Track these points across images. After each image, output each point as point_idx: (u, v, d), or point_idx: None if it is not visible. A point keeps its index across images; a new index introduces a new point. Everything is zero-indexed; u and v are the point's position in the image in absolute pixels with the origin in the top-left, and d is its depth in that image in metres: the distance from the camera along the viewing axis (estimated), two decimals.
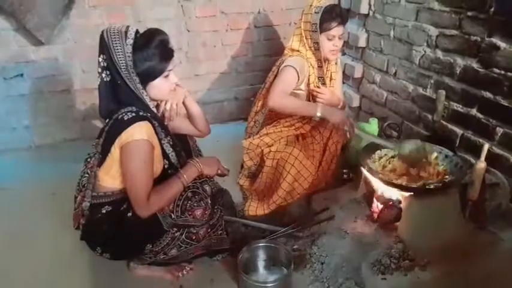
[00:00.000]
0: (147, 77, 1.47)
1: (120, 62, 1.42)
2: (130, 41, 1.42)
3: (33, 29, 2.23)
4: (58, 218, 1.92)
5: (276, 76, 2.06)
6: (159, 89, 1.52)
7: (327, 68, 2.15)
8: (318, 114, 1.92)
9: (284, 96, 1.96)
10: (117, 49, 1.41)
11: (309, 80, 2.10)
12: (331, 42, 2.03)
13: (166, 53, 1.48)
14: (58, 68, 2.45)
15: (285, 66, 2.00)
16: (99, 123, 2.63)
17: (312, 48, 2.05)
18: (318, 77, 2.11)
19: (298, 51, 2.07)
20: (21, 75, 2.40)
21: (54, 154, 2.50)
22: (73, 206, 1.66)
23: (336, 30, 2.01)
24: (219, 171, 1.66)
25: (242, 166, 2.23)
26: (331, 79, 2.19)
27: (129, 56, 1.41)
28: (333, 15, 1.99)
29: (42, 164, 2.40)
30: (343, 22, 2.03)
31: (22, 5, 2.15)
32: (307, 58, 2.06)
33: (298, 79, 2.02)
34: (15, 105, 2.45)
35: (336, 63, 2.21)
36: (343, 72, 2.91)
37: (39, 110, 2.50)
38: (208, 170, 1.61)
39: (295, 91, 2.06)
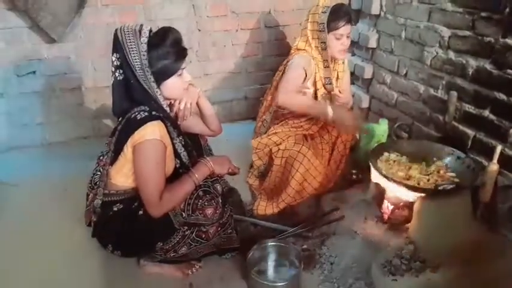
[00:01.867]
0: (162, 76, 1.48)
1: (135, 60, 1.42)
2: (144, 40, 1.42)
3: (47, 27, 2.25)
4: (70, 215, 1.94)
5: (284, 72, 2.07)
6: (173, 87, 1.53)
7: (333, 67, 2.15)
8: (330, 115, 1.92)
9: (292, 93, 1.96)
10: (132, 48, 1.42)
11: (315, 78, 2.10)
12: (339, 41, 2.03)
13: (180, 51, 1.49)
14: (70, 65, 2.48)
15: (292, 63, 2.00)
16: (110, 121, 2.65)
17: (319, 47, 2.05)
18: (325, 78, 2.11)
19: (304, 50, 2.07)
20: (34, 72, 2.43)
21: (66, 151, 2.52)
22: (85, 202, 1.68)
23: (344, 29, 2.01)
24: (230, 170, 1.67)
25: (251, 166, 2.24)
26: (337, 79, 2.19)
27: (144, 55, 1.42)
28: (340, 15, 1.99)
29: (54, 160, 2.42)
30: (350, 21, 2.03)
31: (35, 3, 2.17)
32: (313, 57, 2.06)
33: (306, 76, 2.03)
34: (28, 102, 2.47)
35: (343, 63, 2.20)
36: (353, 73, 2.90)
37: (51, 107, 2.53)
38: (219, 169, 1.61)
39: (303, 89, 2.06)
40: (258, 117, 2.27)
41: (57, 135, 2.59)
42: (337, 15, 1.99)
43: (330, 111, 1.92)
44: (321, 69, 2.10)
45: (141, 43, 1.42)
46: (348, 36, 2.05)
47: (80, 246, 1.80)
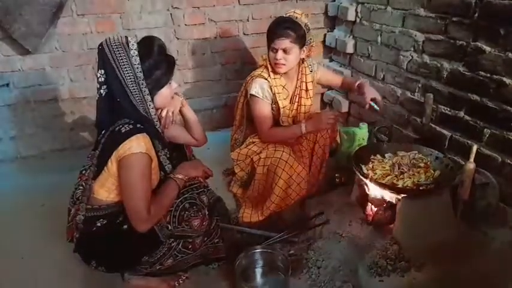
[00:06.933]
0: (156, 86, 1.45)
1: (127, 74, 1.38)
2: (134, 52, 1.39)
3: (20, 38, 2.19)
4: (49, 230, 1.88)
5: (245, 95, 2.07)
6: (165, 96, 1.51)
7: (300, 78, 2.10)
8: (304, 131, 1.95)
9: (269, 131, 2.00)
10: (123, 62, 1.38)
11: (276, 98, 2.03)
12: (274, 54, 1.94)
13: (170, 59, 1.48)
14: (45, 77, 2.41)
15: (250, 96, 2.00)
16: (87, 133, 2.59)
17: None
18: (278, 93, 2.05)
19: (263, 65, 2.05)
20: (7, 85, 2.35)
21: (42, 165, 2.44)
22: (63, 217, 1.62)
23: (277, 43, 1.90)
24: (204, 172, 1.67)
25: (230, 173, 2.23)
26: (307, 90, 2.11)
27: (137, 67, 1.39)
28: (273, 26, 1.93)
29: (29, 175, 2.34)
30: (287, 35, 1.89)
31: (8, 15, 2.11)
32: (268, 78, 2.01)
33: (268, 99, 2.01)
34: (1, 115, 2.39)
35: (311, 71, 2.13)
36: None
37: (25, 120, 2.45)
38: (194, 172, 1.62)
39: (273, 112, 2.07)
40: (231, 134, 2.27)
41: (32, 148, 2.51)
42: (273, 26, 1.94)
43: (303, 128, 1.95)
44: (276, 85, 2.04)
45: (132, 56, 1.39)
46: (285, 51, 1.91)
47: (62, 263, 1.75)
